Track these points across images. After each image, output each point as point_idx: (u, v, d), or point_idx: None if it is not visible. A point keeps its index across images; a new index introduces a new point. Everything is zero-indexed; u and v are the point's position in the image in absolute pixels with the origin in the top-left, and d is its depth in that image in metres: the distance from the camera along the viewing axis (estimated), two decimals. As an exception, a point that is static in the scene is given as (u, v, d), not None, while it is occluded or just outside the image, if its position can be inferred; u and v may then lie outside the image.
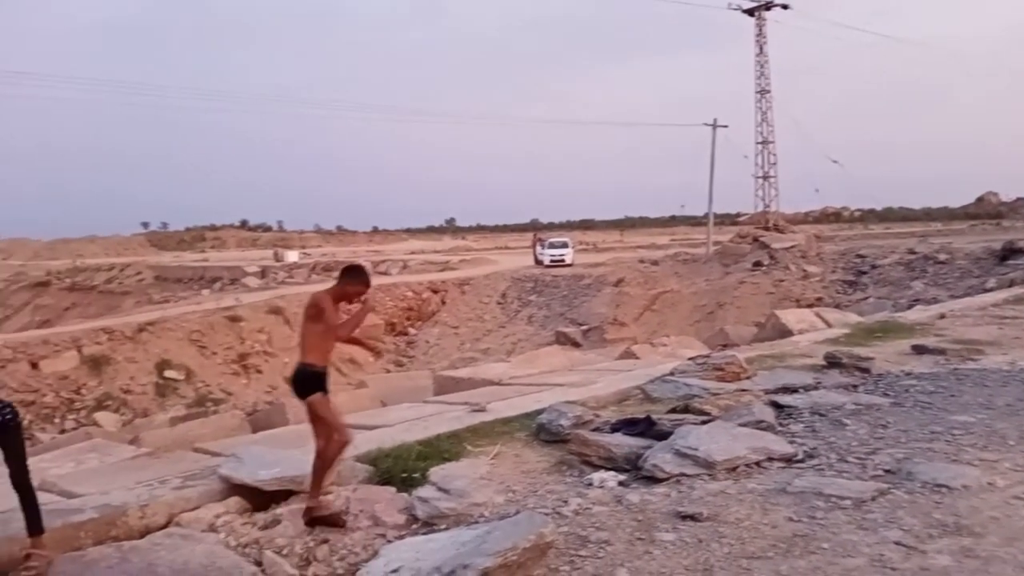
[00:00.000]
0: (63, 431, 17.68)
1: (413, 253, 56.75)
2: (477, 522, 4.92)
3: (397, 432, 7.27)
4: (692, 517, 4.69)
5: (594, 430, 6.51)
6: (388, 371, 25.63)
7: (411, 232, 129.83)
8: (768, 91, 50.82)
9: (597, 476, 5.62)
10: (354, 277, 5.10)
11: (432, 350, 29.15)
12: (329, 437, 5.00)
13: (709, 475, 5.48)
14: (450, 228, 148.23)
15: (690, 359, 9.67)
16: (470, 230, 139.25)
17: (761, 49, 50.92)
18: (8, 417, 4.74)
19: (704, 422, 6.50)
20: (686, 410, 7.09)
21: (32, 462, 6.60)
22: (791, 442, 6.19)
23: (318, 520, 4.92)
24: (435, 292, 33.33)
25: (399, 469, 6.11)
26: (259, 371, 23.75)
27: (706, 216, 47.18)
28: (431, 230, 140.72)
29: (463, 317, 31.23)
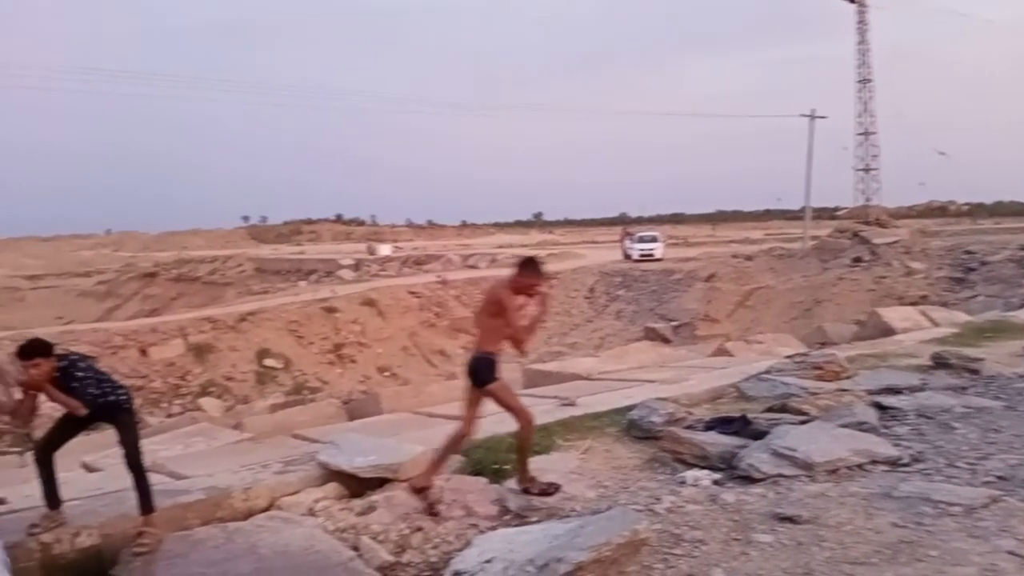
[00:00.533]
0: (170, 415, 18.58)
1: (501, 247, 57.10)
2: (569, 516, 4.92)
3: (488, 424, 7.30)
4: (791, 519, 4.56)
5: (687, 428, 6.41)
6: (477, 363, 25.85)
7: (499, 226, 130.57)
8: (870, 80, 49.03)
9: (690, 474, 5.53)
10: (531, 270, 5.20)
11: (523, 344, 29.30)
12: (517, 418, 5.24)
13: (808, 477, 5.32)
14: (537, 222, 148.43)
15: (787, 357, 9.41)
16: (557, 224, 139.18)
17: (862, 37, 49.18)
18: (123, 399, 5.01)
19: (803, 422, 6.32)
20: (783, 409, 6.90)
21: (144, 444, 6.96)
22: (896, 445, 5.96)
23: (536, 494, 5.20)
24: (525, 285, 33.47)
25: (490, 460, 6.16)
26: (353, 361, 24.36)
27: (803, 210, 45.84)
28: (519, 224, 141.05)
29: (551, 311, 31.27)
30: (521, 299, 5.21)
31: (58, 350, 4.75)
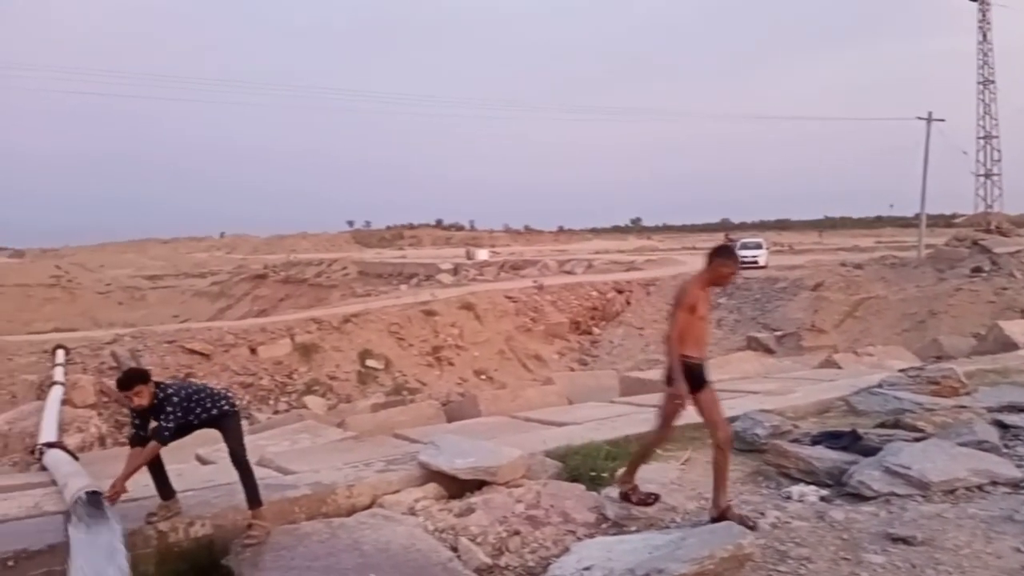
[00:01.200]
0: (276, 412, 19.27)
1: (598, 253, 56.71)
2: (668, 527, 4.84)
3: (585, 430, 7.30)
4: (904, 540, 4.35)
5: (793, 441, 6.20)
6: (572, 369, 25.81)
7: (596, 232, 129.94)
8: (992, 81, 46.40)
9: (796, 489, 5.35)
10: (725, 257, 4.87)
11: (616, 350, 29.01)
12: (714, 433, 4.88)
13: (923, 496, 5.07)
14: (635, 228, 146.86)
15: (900, 371, 9.00)
16: (656, 230, 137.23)
17: (984, 36, 46.54)
18: (225, 408, 5.26)
19: (917, 439, 6.02)
20: (896, 425, 6.60)
21: (252, 439, 7.26)
22: (1018, 466, 5.61)
23: (634, 503, 5.01)
24: (620, 292, 33.12)
25: (587, 467, 6.14)
26: (451, 363, 24.67)
27: (917, 217, 43.68)
28: (616, 230, 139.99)
29: (648, 318, 30.80)
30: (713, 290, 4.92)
31: (156, 379, 5.06)
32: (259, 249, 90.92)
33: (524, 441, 6.83)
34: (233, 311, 46.63)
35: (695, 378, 4.73)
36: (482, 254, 53.73)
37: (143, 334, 21.77)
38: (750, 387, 9.72)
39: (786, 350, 22.87)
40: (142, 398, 4.82)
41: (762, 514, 4.94)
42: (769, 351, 22.56)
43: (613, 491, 5.45)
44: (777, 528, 4.69)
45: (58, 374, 16.07)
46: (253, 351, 21.81)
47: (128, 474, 4.79)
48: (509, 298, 29.84)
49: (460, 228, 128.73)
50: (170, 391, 4.97)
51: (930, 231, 41.50)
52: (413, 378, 23.09)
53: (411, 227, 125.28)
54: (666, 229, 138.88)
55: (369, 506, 5.72)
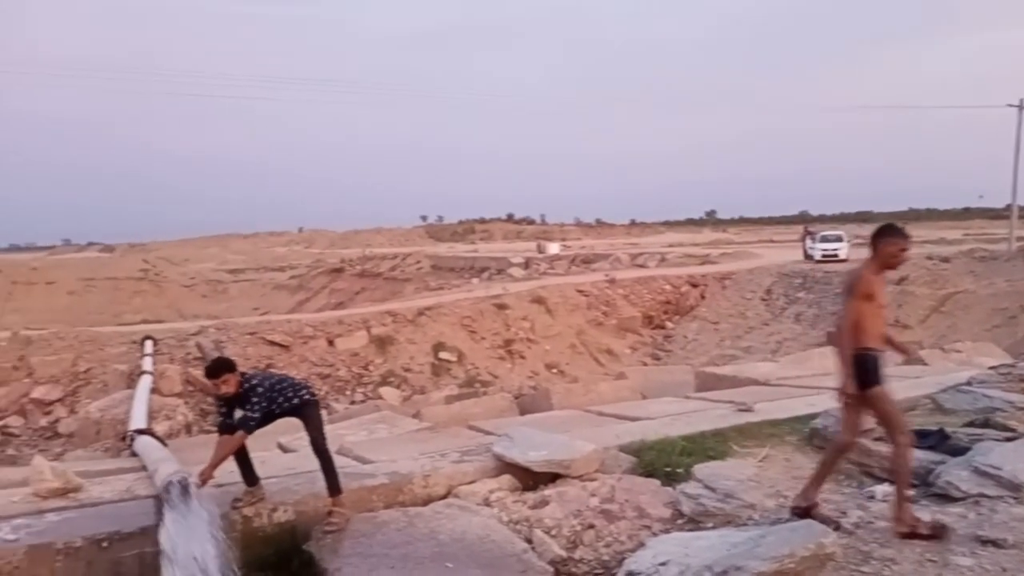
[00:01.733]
0: (353, 402, 19.69)
1: (671, 246, 55.96)
2: (746, 524, 4.78)
3: (660, 426, 7.25)
4: (994, 543, 4.20)
5: (876, 439, 6.02)
6: (644, 364, 25.59)
7: (669, 225, 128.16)
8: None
9: (880, 489, 5.20)
10: (891, 235, 4.51)
11: (690, 345, 28.59)
12: (893, 435, 4.48)
13: (1014, 498, 4.86)
14: (710, 220, 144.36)
15: (990, 368, 8.64)
16: (731, 223, 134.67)
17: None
18: (307, 397, 5.42)
19: (1009, 439, 5.78)
20: (986, 424, 6.34)
21: (331, 429, 7.43)
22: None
23: (916, 537, 4.31)
24: (694, 286, 32.62)
25: (662, 463, 6.10)
26: (522, 357, 24.75)
27: (1008, 208, 41.74)
28: (690, 223, 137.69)
29: (723, 313, 30.28)
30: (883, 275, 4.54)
31: (243, 370, 5.23)
32: (336, 244, 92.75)
33: (597, 435, 6.82)
34: (311, 304, 47.78)
35: (875, 373, 4.39)
36: (553, 248, 53.65)
37: (226, 326, 22.49)
38: (830, 384, 9.45)
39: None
40: (229, 386, 5.01)
41: (844, 513, 4.82)
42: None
43: (689, 487, 5.41)
44: (860, 528, 4.57)
45: (147, 364, 16.75)
46: (331, 343, 22.29)
47: (216, 463, 4.98)
48: (580, 292, 29.72)
49: (531, 222, 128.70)
50: (254, 381, 5.15)
51: (1022, 223, 39.54)
52: (485, 371, 23.26)
53: (483, 221, 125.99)
54: (742, 222, 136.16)
55: (445, 496, 5.81)
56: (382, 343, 22.80)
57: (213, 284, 57.39)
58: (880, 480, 5.38)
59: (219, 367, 5.09)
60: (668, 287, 31.92)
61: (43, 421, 16.39)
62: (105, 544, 4.78)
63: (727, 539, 4.05)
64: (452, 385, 20.67)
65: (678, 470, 5.93)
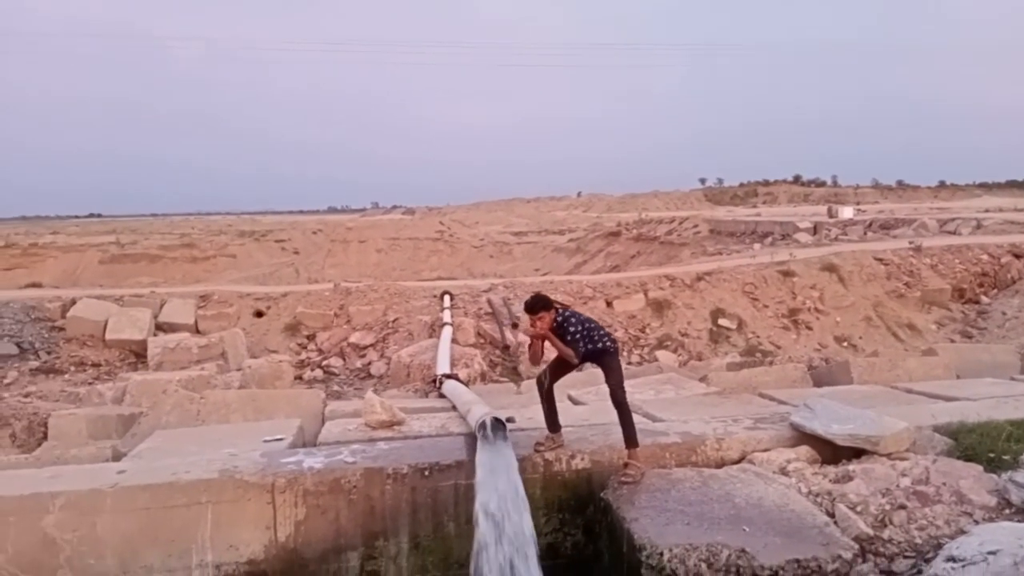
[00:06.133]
0: (629, 364, 19.92)
1: (989, 211, 49.45)
2: (1097, 524, 4.20)
3: (982, 408, 6.55)
4: None
5: None
6: (952, 341, 23.05)
7: (986, 187, 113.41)
8: None
9: None
10: None
11: (1009, 323, 25.16)
12: None
13: None
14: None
15: None
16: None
17: None
18: (609, 345, 5.56)
19: None
20: None
21: (625, 384, 7.60)
22: None
23: None
24: (1018, 257, 28.58)
25: (985, 448, 5.55)
26: (809, 327, 23.37)
27: None
28: (1011, 185, 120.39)
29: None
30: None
31: (556, 305, 5.44)
32: (612, 208, 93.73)
33: (907, 413, 6.31)
34: (588, 266, 48.84)
35: None
36: (846, 212, 49.81)
37: (512, 284, 23.72)
38: None
39: None
40: (543, 323, 5.29)
41: None
42: None
43: (1019, 476, 4.85)
44: None
45: (446, 316, 18.19)
46: (609, 304, 22.63)
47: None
48: (879, 260, 27.34)
49: (821, 184, 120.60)
50: (567, 313, 5.41)
51: None
52: (767, 340, 22.31)
53: (766, 184, 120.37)
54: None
55: (737, 461, 5.74)
56: (659, 307, 22.72)
57: (500, 245, 60.80)
58: None
59: (537, 303, 5.32)
60: (985, 257, 28.32)
61: (358, 363, 18.46)
62: (427, 473, 5.34)
63: (1076, 537, 3.60)
64: (732, 353, 20.12)
65: (1004, 456, 5.35)
